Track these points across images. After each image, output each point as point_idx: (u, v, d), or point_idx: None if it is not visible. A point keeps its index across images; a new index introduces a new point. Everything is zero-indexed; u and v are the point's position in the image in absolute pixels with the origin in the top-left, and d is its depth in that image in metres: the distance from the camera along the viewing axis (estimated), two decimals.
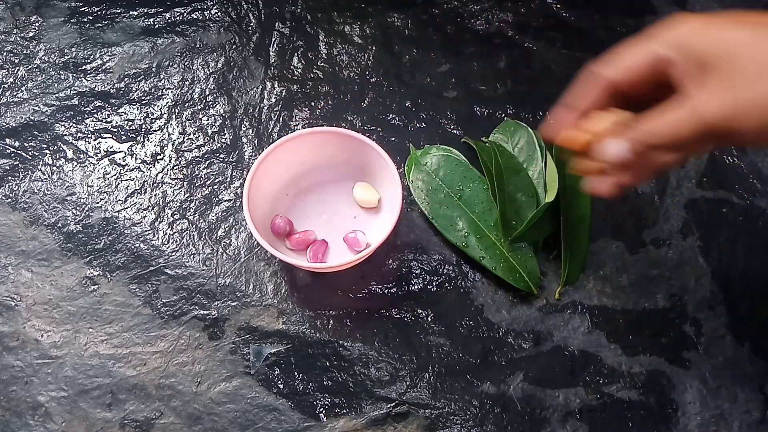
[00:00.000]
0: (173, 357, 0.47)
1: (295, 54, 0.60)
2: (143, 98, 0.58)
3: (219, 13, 0.62)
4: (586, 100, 0.32)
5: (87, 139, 0.56)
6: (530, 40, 0.61)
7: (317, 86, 0.59)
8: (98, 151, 0.56)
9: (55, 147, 0.56)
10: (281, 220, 0.49)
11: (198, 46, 0.60)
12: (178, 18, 0.62)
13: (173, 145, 0.56)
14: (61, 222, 0.52)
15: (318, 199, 0.52)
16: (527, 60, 0.60)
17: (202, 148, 0.56)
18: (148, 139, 0.56)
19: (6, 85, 0.58)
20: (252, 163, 0.47)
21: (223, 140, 0.56)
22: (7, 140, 0.56)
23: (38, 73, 0.59)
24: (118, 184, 0.54)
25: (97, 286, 0.50)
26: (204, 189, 0.54)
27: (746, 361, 0.48)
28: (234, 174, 0.54)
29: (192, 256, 0.51)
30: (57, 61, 0.60)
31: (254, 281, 0.50)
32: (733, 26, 0.29)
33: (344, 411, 0.46)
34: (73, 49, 0.60)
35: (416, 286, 0.50)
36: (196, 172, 0.55)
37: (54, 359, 0.47)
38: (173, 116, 0.57)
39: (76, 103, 0.58)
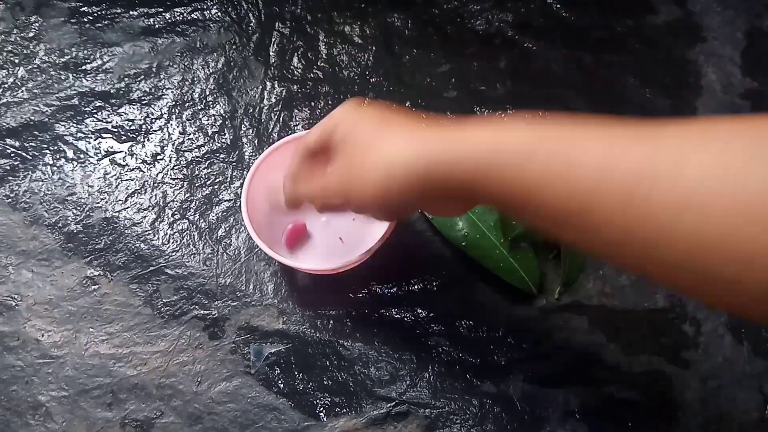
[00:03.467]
0: (174, 357, 0.47)
1: (295, 54, 0.60)
2: (143, 98, 0.58)
3: (219, 14, 0.62)
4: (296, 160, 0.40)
5: (87, 139, 0.56)
6: (530, 40, 0.61)
7: (317, 86, 0.59)
8: (98, 151, 0.56)
9: (56, 147, 0.56)
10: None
11: (198, 46, 0.60)
12: (178, 18, 0.62)
13: (173, 145, 0.56)
14: (62, 222, 0.52)
15: None
16: (527, 60, 0.60)
17: (203, 148, 0.56)
18: (149, 139, 0.56)
19: (6, 85, 0.58)
20: (252, 163, 0.47)
21: (223, 140, 0.56)
22: (8, 140, 0.56)
23: (38, 73, 0.59)
24: (119, 184, 0.54)
25: (97, 286, 0.50)
26: (204, 189, 0.54)
27: (745, 361, 0.48)
28: (234, 174, 0.54)
29: (192, 256, 0.51)
30: (57, 61, 0.60)
31: (254, 281, 0.50)
32: (369, 118, 0.34)
33: (344, 410, 0.46)
34: (73, 49, 0.60)
35: (416, 286, 0.50)
36: (197, 172, 0.55)
37: (54, 359, 0.47)
38: (173, 116, 0.57)
39: (77, 103, 0.58)
